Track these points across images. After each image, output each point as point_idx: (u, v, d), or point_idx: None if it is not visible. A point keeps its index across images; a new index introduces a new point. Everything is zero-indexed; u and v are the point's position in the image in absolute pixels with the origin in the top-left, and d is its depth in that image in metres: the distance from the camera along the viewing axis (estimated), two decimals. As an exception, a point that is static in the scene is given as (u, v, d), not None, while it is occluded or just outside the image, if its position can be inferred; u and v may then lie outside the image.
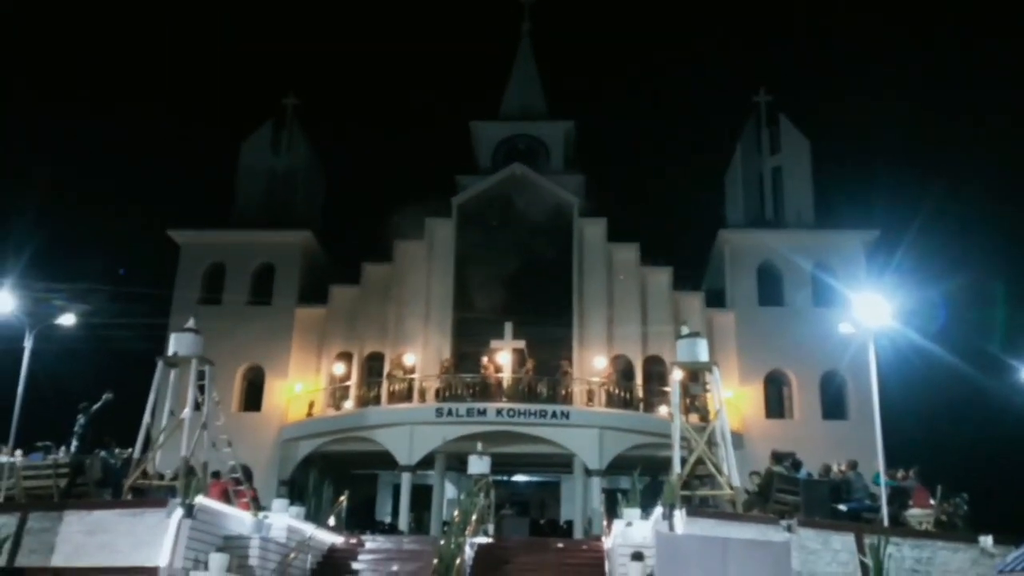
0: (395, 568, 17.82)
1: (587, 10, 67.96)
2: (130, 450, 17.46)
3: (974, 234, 37.71)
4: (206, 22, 64.90)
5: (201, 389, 17.60)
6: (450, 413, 26.89)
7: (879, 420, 18.61)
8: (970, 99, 51.62)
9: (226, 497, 17.70)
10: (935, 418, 30.91)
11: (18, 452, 18.11)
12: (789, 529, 15.41)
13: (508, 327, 28.48)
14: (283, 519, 17.40)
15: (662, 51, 65.57)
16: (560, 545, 20.56)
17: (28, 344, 19.64)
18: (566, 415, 26.96)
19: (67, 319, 20.99)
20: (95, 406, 18.40)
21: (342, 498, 21.86)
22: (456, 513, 18.60)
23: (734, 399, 28.41)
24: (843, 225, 32.42)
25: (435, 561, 15.80)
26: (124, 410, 19.20)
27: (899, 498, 18.28)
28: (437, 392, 28.03)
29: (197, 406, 17.49)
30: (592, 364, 29.36)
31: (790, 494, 17.41)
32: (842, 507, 17.61)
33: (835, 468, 18.93)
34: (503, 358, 28.28)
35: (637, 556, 15.28)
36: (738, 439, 23.83)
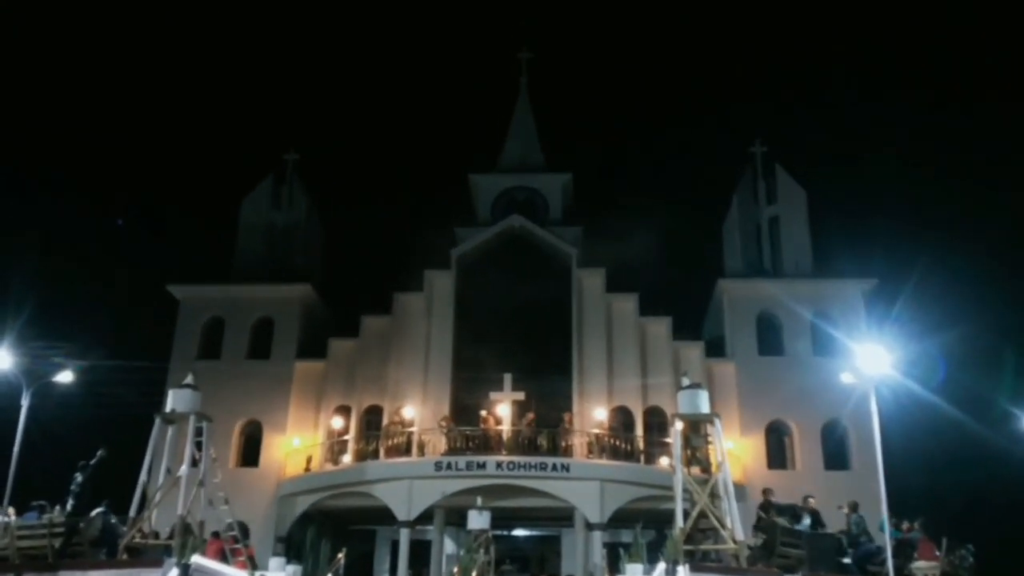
0: (394, 627, 17.54)
1: (584, 64, 69.07)
2: (116, 520, 17.26)
3: (972, 282, 37.79)
4: (209, 78, 65.87)
5: (198, 446, 17.53)
6: (449, 467, 26.70)
7: (882, 470, 18.50)
8: (967, 150, 52.15)
9: (223, 556, 17.51)
10: (938, 468, 30.67)
11: (11, 511, 17.94)
12: (793, 583, 15.22)
13: (508, 379, 28.44)
14: (280, 578, 17.17)
15: (659, 103, 66.48)
16: (562, 601, 20.26)
17: (25, 402, 19.59)
18: (566, 468, 26.77)
19: (64, 376, 20.96)
20: (91, 462, 18.28)
21: (340, 555, 21.63)
22: (456, 569, 18.40)
23: (736, 450, 28.23)
24: (841, 274, 32.52)
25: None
26: (121, 468, 19.06)
27: (904, 550, 18.09)
28: (448, 443, 27.75)
29: (194, 463, 17.40)
30: (592, 415, 29.23)
31: (794, 547, 17.22)
32: (847, 560, 17.41)
33: (843, 509, 18.80)
34: (503, 410, 28.17)
35: (640, 613, 15.07)
36: (740, 491, 23.65)
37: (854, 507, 18.70)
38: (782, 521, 17.57)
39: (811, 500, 19.20)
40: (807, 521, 18.14)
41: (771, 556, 17.02)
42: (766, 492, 18.59)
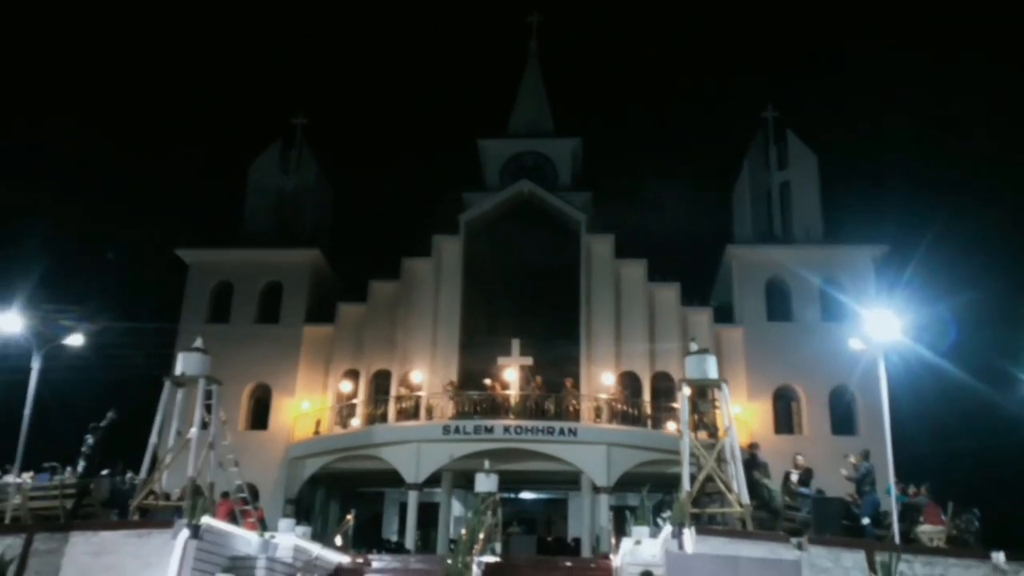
0: (402, 588, 17.70)
1: (593, 28, 68.27)
2: (131, 475, 17.42)
3: (984, 248, 37.56)
4: (218, 43, 65.38)
5: (208, 408, 17.60)
6: (457, 431, 26.82)
7: (889, 436, 18.49)
8: (980, 113, 51.56)
9: (233, 517, 17.66)
10: (946, 434, 30.67)
11: (26, 475, 18.10)
12: (800, 547, 15.24)
13: (515, 344, 28.45)
14: (289, 539, 17.32)
15: (669, 68, 65.79)
16: (568, 563, 20.38)
17: (36, 364, 19.69)
18: (574, 432, 26.86)
19: (75, 339, 21.04)
20: (101, 424, 18.41)
21: (349, 517, 21.80)
22: (463, 531, 18.50)
23: (743, 415, 28.28)
24: (852, 240, 32.34)
25: (442, 580, 15.68)
26: (131, 430, 19.20)
27: (910, 514, 18.14)
28: (455, 407, 27.82)
29: (204, 425, 17.48)
30: (600, 380, 29.27)
31: (795, 510, 17.30)
32: (864, 520, 17.41)
33: (845, 472, 18.80)
34: (510, 375, 28.23)
35: (646, 575, 15.14)
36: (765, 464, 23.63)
37: (866, 455, 18.67)
38: (768, 482, 17.50)
39: (799, 458, 19.16)
40: (808, 489, 18.12)
41: (776, 518, 17.05)
42: (752, 447, 18.51)
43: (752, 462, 17.50)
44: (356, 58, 67.90)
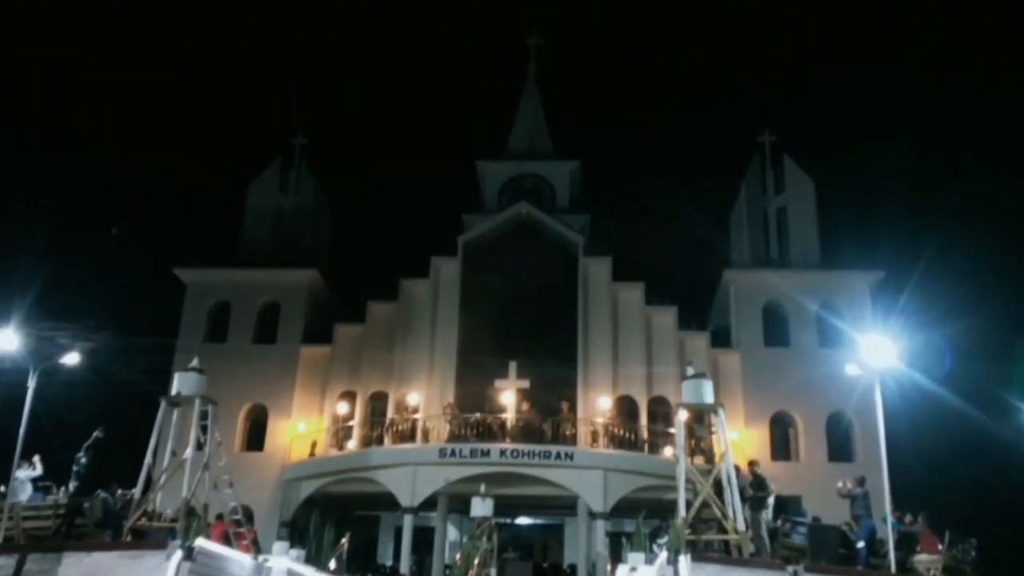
0: (396, 612, 17.60)
1: (592, 52, 68.78)
2: (131, 492, 17.35)
3: (981, 274, 37.65)
4: (218, 61, 65.77)
5: (204, 429, 17.53)
6: (453, 454, 26.75)
7: (886, 463, 18.47)
8: (976, 139, 51.82)
9: (227, 539, 17.56)
10: (942, 461, 30.62)
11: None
12: (795, 575, 15.19)
13: (512, 366, 28.47)
14: (283, 562, 17.23)
15: (667, 92, 66.21)
16: (563, 590, 20.31)
17: (32, 383, 19.61)
18: (570, 456, 26.80)
19: (71, 358, 20.98)
20: (88, 443, 18.36)
21: (343, 540, 21.68)
22: (458, 556, 18.45)
23: (740, 441, 28.19)
24: (848, 265, 32.44)
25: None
26: (127, 450, 19.14)
27: (907, 543, 18.05)
28: (451, 430, 27.77)
29: (199, 446, 17.42)
30: (597, 404, 29.24)
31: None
32: (859, 544, 17.34)
33: (840, 485, 18.75)
34: (507, 398, 28.20)
35: (641, 602, 15.08)
36: (743, 484, 23.57)
37: (861, 481, 18.62)
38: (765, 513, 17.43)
39: (756, 467, 19.01)
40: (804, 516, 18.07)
41: (773, 544, 17.01)
42: (752, 465, 18.49)
43: (756, 480, 17.46)
44: (356, 78, 68.33)
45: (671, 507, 17.35)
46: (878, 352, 19.34)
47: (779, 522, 17.55)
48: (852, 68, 61.26)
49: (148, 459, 17.43)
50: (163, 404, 17.78)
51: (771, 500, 17.92)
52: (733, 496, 16.50)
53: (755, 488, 17.24)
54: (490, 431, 27.44)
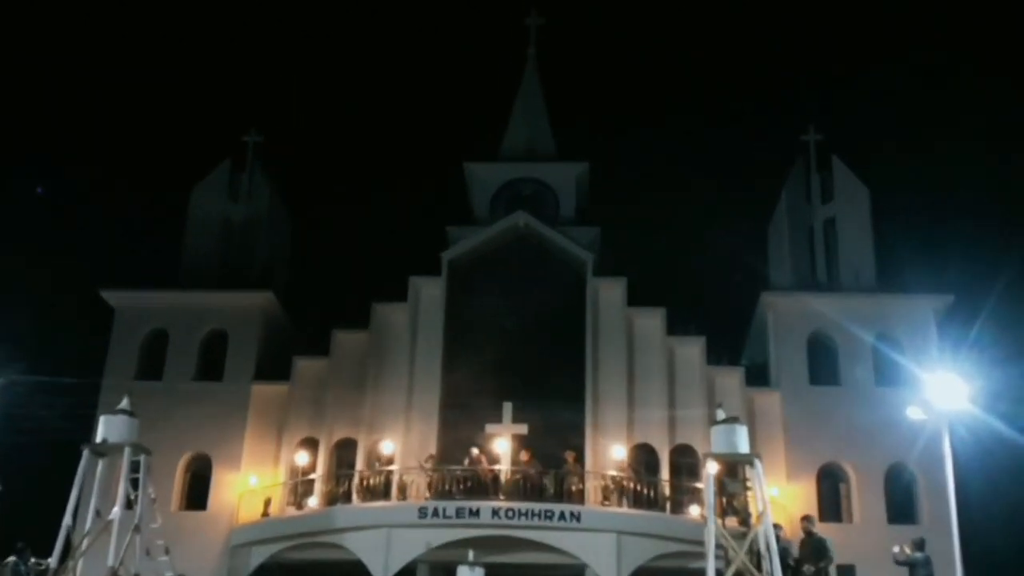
0: None
1: (603, 35, 69.11)
2: (47, 562, 17.28)
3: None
4: (155, 40, 65.99)
5: (135, 483, 17.52)
6: (436, 514, 26.66)
7: (957, 525, 18.50)
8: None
9: (161, 616, 17.50)
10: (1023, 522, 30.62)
11: None
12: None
13: (507, 408, 28.45)
14: (230, 644, 17.16)
15: (692, 82, 66.54)
16: None
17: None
18: (577, 517, 26.74)
19: (-25, 397, 20.96)
20: None
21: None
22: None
23: (781, 498, 28.21)
24: (910, 289, 32.58)
25: None
26: (41, 508, 19.06)
27: (982, 622, 18.09)
28: (434, 485, 27.79)
29: (129, 504, 17.37)
30: (609, 454, 29.23)
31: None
32: None
33: (897, 550, 18.78)
34: (501, 446, 28.16)
35: None
36: (786, 547, 23.59)
37: (920, 545, 18.65)
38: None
39: (810, 524, 19.03)
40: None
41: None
42: (806, 521, 18.53)
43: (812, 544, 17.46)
44: (320, 65, 68.57)
45: (699, 578, 17.35)
46: (946, 392, 19.46)
47: None
48: (914, 54, 61.76)
49: (67, 520, 17.39)
50: (86, 453, 17.78)
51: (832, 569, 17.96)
52: (773, 565, 16.49)
53: (813, 554, 17.24)
54: (480, 486, 27.37)
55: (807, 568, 17.22)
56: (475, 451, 28.19)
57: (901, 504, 30.02)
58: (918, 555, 18.40)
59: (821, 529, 28.80)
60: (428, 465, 28.36)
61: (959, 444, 20.78)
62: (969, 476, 23.10)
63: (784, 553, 17.35)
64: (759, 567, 16.38)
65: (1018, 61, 58.47)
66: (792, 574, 16.63)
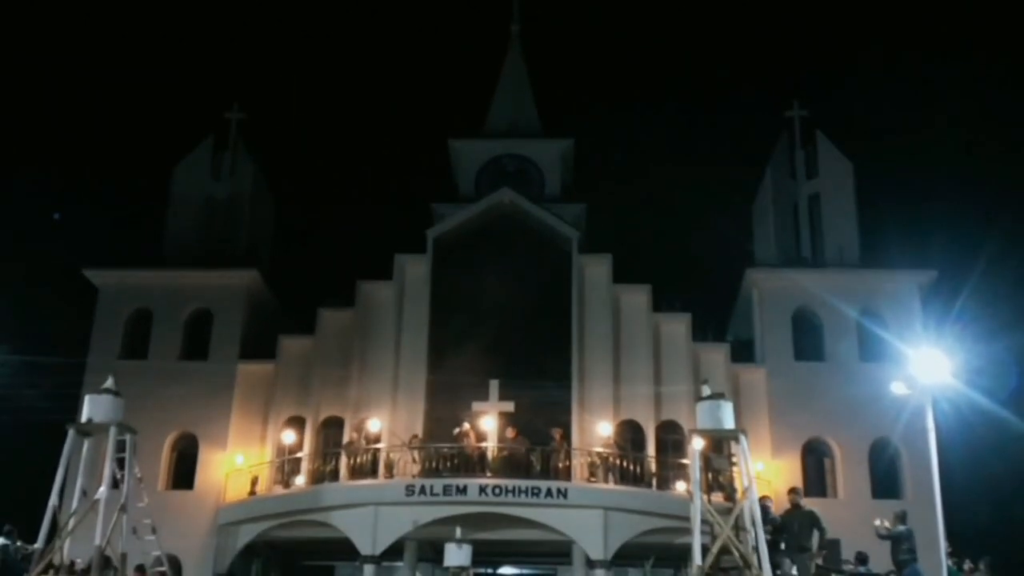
0: None
1: (588, 9, 68.88)
2: (32, 547, 17.25)
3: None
4: (138, 14, 65.39)
5: (120, 463, 17.47)
6: (423, 491, 26.71)
7: (940, 499, 18.64)
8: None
9: (149, 595, 17.53)
10: (1006, 497, 30.90)
11: None
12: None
13: (494, 386, 28.56)
14: (218, 622, 17.20)
15: (676, 56, 66.44)
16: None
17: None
18: (564, 493, 26.83)
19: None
20: None
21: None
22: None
23: (766, 473, 28.40)
24: (894, 264, 32.69)
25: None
26: (27, 488, 19.02)
27: (967, 594, 18.26)
28: (421, 463, 27.80)
29: (115, 484, 17.34)
30: (595, 431, 29.32)
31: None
32: None
33: (878, 523, 18.92)
34: (488, 424, 28.21)
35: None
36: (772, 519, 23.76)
37: (902, 517, 18.79)
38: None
39: (798, 496, 19.16)
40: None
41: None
42: (793, 493, 18.66)
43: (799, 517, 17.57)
44: (304, 41, 68.14)
45: (684, 553, 17.47)
46: (930, 367, 19.56)
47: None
48: (898, 31, 61.76)
49: (53, 500, 17.34)
50: (71, 433, 17.70)
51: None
52: (758, 540, 16.59)
53: (804, 526, 17.36)
54: (468, 463, 27.42)
55: (815, 555, 17.30)
56: (466, 425, 28.23)
57: (885, 479, 30.23)
58: (901, 528, 18.55)
59: (807, 504, 29.21)
60: (412, 444, 28.38)
61: (942, 419, 20.92)
62: (952, 450, 23.26)
63: (771, 522, 17.49)
64: (744, 541, 16.46)
65: (1001, 39, 58.53)
66: (770, 544, 16.71)
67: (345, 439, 29.89)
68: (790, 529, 17.70)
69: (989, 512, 28.02)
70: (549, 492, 26.72)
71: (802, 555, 17.29)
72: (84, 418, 17.69)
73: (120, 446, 17.49)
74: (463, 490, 26.58)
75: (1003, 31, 58.62)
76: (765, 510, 17.36)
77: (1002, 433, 25.67)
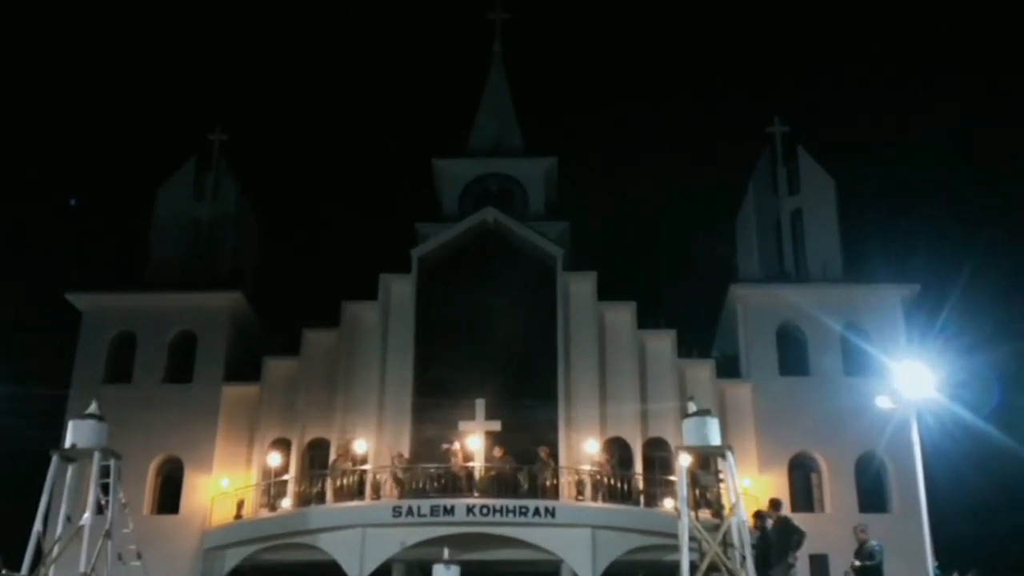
0: None
1: (569, 29, 69.19)
2: (19, 574, 17.15)
3: (1032, 288, 38.25)
4: (121, 38, 65.29)
5: (105, 488, 17.40)
6: (410, 512, 26.67)
7: (926, 512, 18.69)
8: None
9: (135, 622, 17.42)
10: (993, 509, 31.00)
11: None
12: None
13: (480, 405, 28.59)
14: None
15: (658, 75, 66.80)
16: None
17: None
18: (551, 512, 26.82)
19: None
20: None
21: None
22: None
23: (753, 489, 28.40)
24: (877, 279, 32.80)
25: None
26: (11, 515, 18.90)
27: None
28: (408, 484, 27.74)
29: (100, 509, 17.26)
30: (582, 449, 29.32)
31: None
32: None
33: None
34: (474, 443, 28.17)
35: None
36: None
37: (863, 529, 18.81)
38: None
39: (779, 508, 19.19)
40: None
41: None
42: (774, 504, 18.66)
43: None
44: (287, 63, 68.18)
45: (673, 571, 17.46)
46: (914, 381, 19.65)
47: None
48: (879, 46, 62.29)
49: (37, 526, 17.26)
50: (55, 459, 17.63)
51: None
52: (746, 555, 16.62)
53: (782, 536, 17.37)
54: (455, 484, 27.37)
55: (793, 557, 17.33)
56: (456, 445, 28.18)
57: (872, 492, 30.28)
58: (876, 545, 18.53)
59: (795, 519, 29.26)
60: (399, 464, 28.32)
61: (927, 432, 21.01)
62: (937, 463, 23.37)
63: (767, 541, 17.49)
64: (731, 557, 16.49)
65: (983, 52, 59.05)
66: (761, 563, 16.74)
67: (332, 460, 29.81)
68: (774, 540, 17.72)
69: (975, 524, 28.10)
70: (537, 511, 26.71)
71: (784, 563, 17.29)
72: (68, 444, 17.66)
73: (104, 471, 17.45)
74: (450, 510, 26.55)
75: (982, 48, 59.19)
76: (763, 528, 17.43)
77: (986, 446, 25.79)
